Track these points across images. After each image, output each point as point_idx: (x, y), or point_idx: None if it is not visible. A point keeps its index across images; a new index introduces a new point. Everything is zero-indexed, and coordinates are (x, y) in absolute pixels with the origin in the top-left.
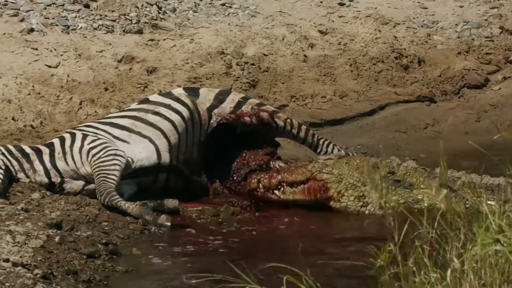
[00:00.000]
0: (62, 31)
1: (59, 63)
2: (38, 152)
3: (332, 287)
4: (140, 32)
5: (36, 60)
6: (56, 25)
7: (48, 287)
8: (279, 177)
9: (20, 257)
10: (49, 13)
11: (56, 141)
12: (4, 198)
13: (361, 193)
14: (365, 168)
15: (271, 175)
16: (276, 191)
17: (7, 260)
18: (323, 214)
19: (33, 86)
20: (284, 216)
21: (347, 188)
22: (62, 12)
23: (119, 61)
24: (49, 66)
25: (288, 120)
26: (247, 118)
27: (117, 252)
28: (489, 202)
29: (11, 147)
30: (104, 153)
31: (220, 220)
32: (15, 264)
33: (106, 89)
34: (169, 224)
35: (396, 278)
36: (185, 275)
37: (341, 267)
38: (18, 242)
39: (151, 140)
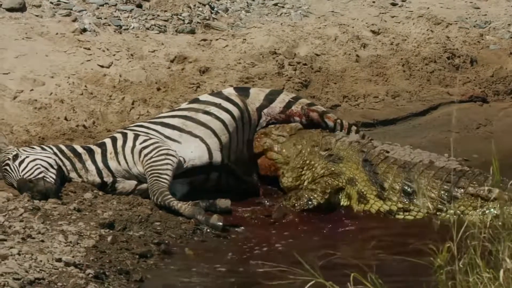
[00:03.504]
0: (114, 31)
1: (112, 63)
2: (90, 152)
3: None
4: (192, 32)
5: (89, 60)
6: (109, 25)
7: (100, 287)
8: None
9: (73, 256)
10: (102, 13)
11: (108, 141)
12: (57, 198)
13: (298, 175)
14: (307, 150)
15: None
16: None
17: (59, 260)
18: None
19: (85, 86)
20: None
21: (288, 170)
22: (115, 12)
23: (172, 61)
24: (102, 66)
25: (338, 121)
26: (297, 118)
27: (169, 252)
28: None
29: (63, 147)
30: (156, 152)
31: (272, 220)
32: (67, 264)
33: (158, 89)
34: (221, 224)
35: (450, 277)
36: (252, 261)
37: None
38: (71, 242)
39: (202, 140)
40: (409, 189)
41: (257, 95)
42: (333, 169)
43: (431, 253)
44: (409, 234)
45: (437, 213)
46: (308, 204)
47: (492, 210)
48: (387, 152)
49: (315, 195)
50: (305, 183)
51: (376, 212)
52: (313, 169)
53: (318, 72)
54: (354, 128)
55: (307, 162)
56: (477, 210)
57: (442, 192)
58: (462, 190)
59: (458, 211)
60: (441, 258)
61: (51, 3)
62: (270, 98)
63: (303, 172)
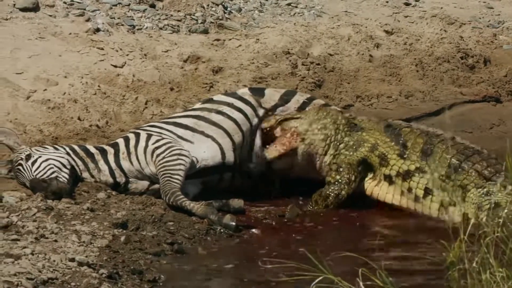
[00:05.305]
0: (128, 31)
1: (125, 63)
2: (103, 152)
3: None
4: (205, 32)
5: (102, 60)
6: (122, 25)
7: (114, 287)
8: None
9: (86, 256)
10: (115, 13)
11: (120, 141)
12: (70, 197)
13: (323, 125)
14: (324, 108)
15: None
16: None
17: (72, 260)
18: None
19: (99, 86)
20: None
21: (311, 123)
22: (128, 12)
23: (185, 61)
24: (115, 66)
25: None
26: None
27: (182, 251)
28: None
29: (76, 147)
30: (169, 153)
31: (286, 220)
32: (80, 264)
33: (171, 89)
34: (234, 224)
35: (463, 275)
36: (260, 261)
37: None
38: (84, 242)
39: (214, 139)
40: (428, 150)
41: (272, 96)
42: (356, 137)
43: (444, 250)
44: (424, 232)
45: (446, 180)
46: (339, 198)
47: (492, 192)
48: (410, 124)
49: (342, 186)
50: (330, 143)
51: (396, 175)
52: (336, 125)
53: (332, 72)
54: None
55: (330, 115)
56: (478, 190)
57: (454, 160)
58: (470, 163)
59: (461, 184)
60: (453, 254)
61: (65, 3)
62: (285, 99)
63: (327, 125)
